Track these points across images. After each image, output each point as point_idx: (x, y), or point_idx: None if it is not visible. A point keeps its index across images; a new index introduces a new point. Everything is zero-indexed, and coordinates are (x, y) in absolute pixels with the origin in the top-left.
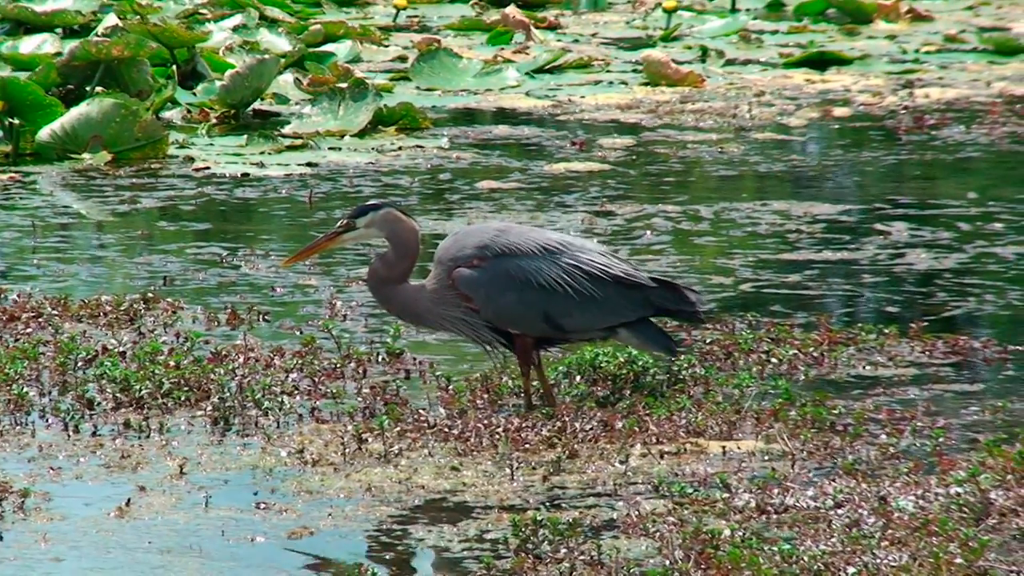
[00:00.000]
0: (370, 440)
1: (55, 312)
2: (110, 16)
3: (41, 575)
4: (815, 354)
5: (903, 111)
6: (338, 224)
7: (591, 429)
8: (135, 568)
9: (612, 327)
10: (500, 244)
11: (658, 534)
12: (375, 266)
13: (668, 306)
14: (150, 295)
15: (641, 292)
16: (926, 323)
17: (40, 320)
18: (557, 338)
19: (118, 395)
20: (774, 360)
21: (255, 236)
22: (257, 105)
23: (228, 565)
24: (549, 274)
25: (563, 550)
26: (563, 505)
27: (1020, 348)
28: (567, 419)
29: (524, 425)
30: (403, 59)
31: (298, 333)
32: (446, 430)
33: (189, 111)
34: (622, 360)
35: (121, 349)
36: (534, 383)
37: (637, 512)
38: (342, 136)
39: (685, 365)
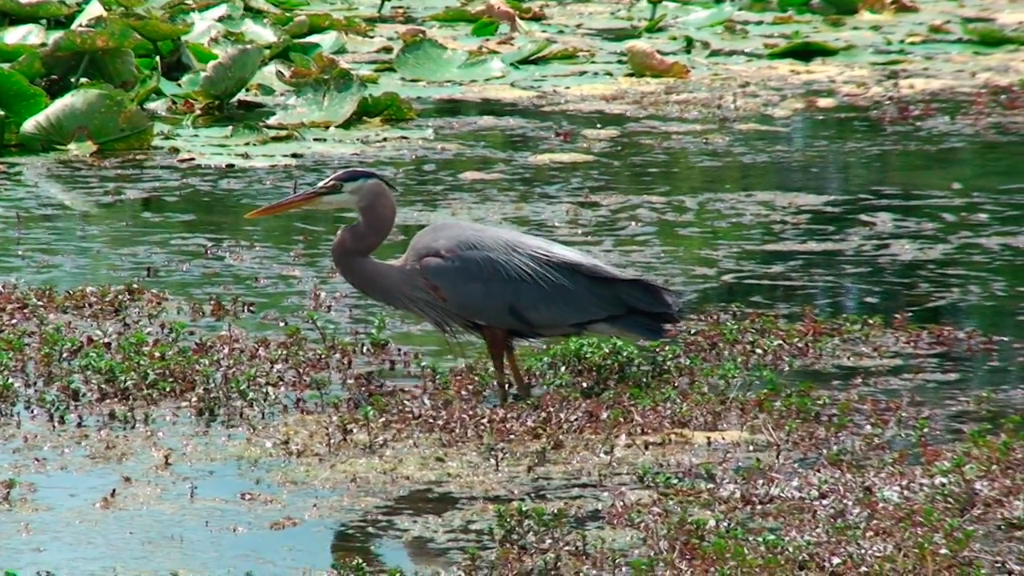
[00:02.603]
0: (355, 431)
1: (40, 303)
2: (93, 5)
3: (23, 565)
4: (800, 345)
5: (888, 102)
6: (321, 184)
7: (576, 419)
8: (115, 558)
9: (582, 323)
10: (473, 239)
11: (643, 525)
12: (343, 236)
13: (640, 306)
14: (135, 286)
15: (612, 290)
16: (910, 314)
17: (25, 311)
18: (526, 332)
19: (103, 386)
20: (759, 351)
21: (240, 227)
22: (242, 96)
23: (211, 555)
24: (517, 266)
25: (548, 541)
26: (548, 496)
27: (1004, 338)
28: (552, 409)
29: (509, 416)
30: (388, 50)
31: (283, 324)
32: (431, 421)
33: (174, 102)
34: (607, 351)
35: (106, 340)
36: (508, 374)
37: (622, 503)
38: (327, 127)
39: (670, 356)
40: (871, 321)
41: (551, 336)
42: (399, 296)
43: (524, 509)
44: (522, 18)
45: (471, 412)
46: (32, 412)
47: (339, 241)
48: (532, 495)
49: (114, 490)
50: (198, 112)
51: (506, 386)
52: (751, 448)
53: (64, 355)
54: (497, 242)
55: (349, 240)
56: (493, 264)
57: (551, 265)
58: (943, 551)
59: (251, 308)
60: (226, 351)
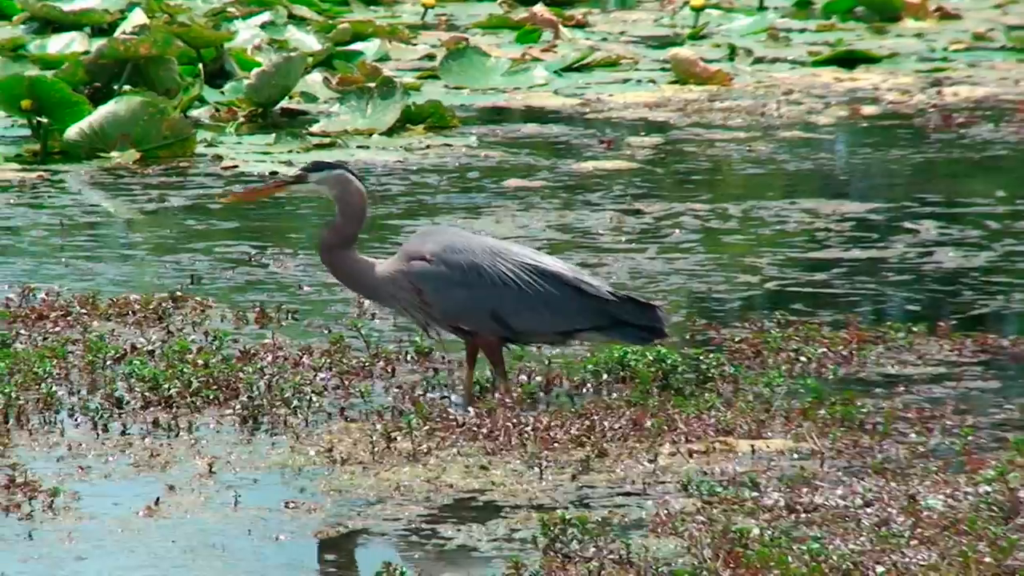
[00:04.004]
0: (399, 439)
1: (84, 311)
2: (136, 12)
3: (65, 574)
4: (844, 353)
5: (931, 109)
6: (289, 174)
7: (620, 428)
8: (157, 567)
9: (568, 332)
10: (459, 245)
11: (687, 533)
12: (322, 234)
13: (627, 319)
14: (179, 294)
15: (598, 303)
16: (955, 321)
17: (69, 319)
18: (513, 338)
19: (147, 394)
20: (803, 359)
21: (283, 234)
22: (285, 103)
23: (253, 564)
24: (501, 271)
25: (592, 549)
26: (592, 504)
27: None
28: (596, 418)
29: (553, 424)
30: (431, 57)
31: (326, 332)
32: (475, 429)
33: (217, 109)
34: (651, 359)
35: (150, 348)
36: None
37: (666, 511)
38: (370, 135)
39: (714, 364)
40: (915, 329)
41: (540, 343)
42: (384, 295)
43: (568, 517)
44: (565, 25)
45: (515, 420)
46: (76, 420)
47: (320, 239)
48: (576, 503)
49: (158, 498)
50: (241, 119)
51: (511, 392)
52: (795, 456)
53: (108, 363)
54: (483, 248)
55: (328, 235)
56: (477, 269)
57: (536, 273)
58: (987, 559)
59: (295, 316)
60: (270, 359)
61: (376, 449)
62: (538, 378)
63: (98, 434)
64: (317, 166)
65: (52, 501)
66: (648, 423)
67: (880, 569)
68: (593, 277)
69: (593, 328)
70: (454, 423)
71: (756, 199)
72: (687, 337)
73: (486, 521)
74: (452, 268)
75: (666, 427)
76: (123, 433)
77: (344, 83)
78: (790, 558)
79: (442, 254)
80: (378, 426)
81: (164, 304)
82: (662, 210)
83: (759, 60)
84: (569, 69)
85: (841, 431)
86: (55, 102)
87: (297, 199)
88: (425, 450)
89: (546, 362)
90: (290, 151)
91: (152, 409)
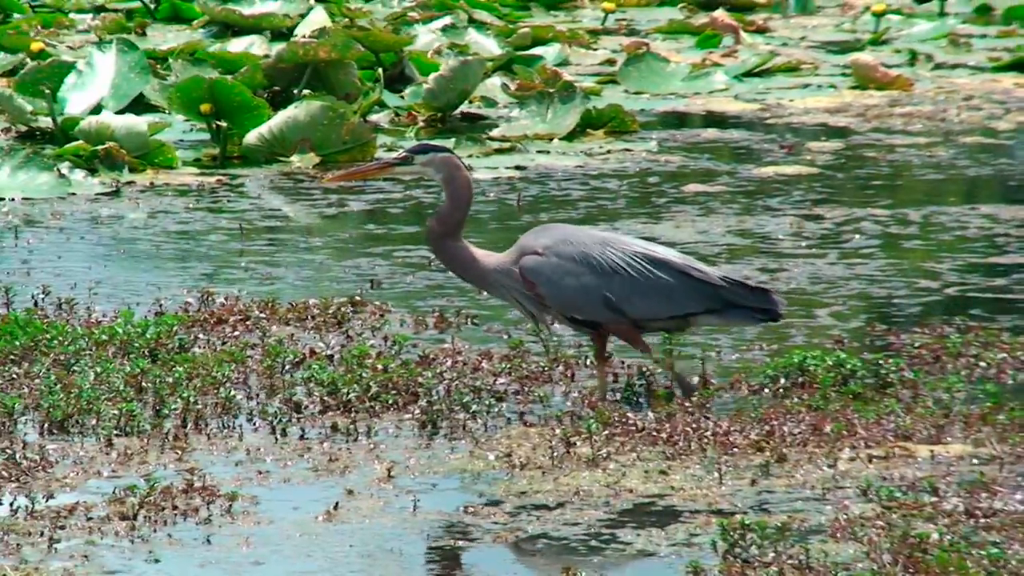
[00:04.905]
0: (578, 443)
1: (263, 315)
2: (314, 14)
3: None
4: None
5: None
6: (394, 156)
7: (799, 433)
8: (335, 571)
9: (681, 316)
10: (570, 237)
11: (866, 538)
12: (430, 223)
13: (740, 301)
14: (358, 298)
15: (708, 287)
16: None
17: (248, 323)
18: (632, 325)
19: (326, 398)
20: (983, 364)
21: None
22: (465, 108)
23: (431, 570)
24: (610, 259)
25: (771, 554)
26: (771, 509)
27: None
28: (775, 423)
29: (732, 429)
30: (611, 62)
31: (506, 337)
32: (654, 434)
33: (396, 114)
34: (830, 363)
35: (328, 352)
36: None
37: (845, 516)
38: (550, 139)
39: (893, 369)
40: None
41: (654, 330)
42: (494, 283)
43: (747, 522)
44: (746, 31)
45: (694, 425)
46: (254, 425)
47: (428, 228)
48: (755, 508)
49: (337, 503)
50: (421, 124)
51: (604, 384)
52: (975, 461)
53: (286, 367)
54: (594, 240)
55: (436, 223)
56: (588, 259)
57: (645, 260)
58: None
59: (474, 320)
60: (449, 363)
61: (555, 454)
62: (714, 381)
63: (277, 438)
64: (423, 148)
65: (230, 505)
66: (828, 428)
67: None
68: (704, 264)
69: (707, 311)
70: (634, 428)
71: (936, 204)
72: (867, 342)
73: (665, 526)
74: (564, 259)
75: (845, 432)
76: (302, 437)
77: (523, 88)
78: (969, 563)
79: (554, 247)
80: (557, 431)
81: (343, 308)
82: (842, 215)
83: (939, 65)
84: (749, 74)
85: (1021, 436)
86: (235, 106)
87: (479, 204)
88: (605, 455)
89: (723, 366)
90: (470, 156)
91: (331, 413)
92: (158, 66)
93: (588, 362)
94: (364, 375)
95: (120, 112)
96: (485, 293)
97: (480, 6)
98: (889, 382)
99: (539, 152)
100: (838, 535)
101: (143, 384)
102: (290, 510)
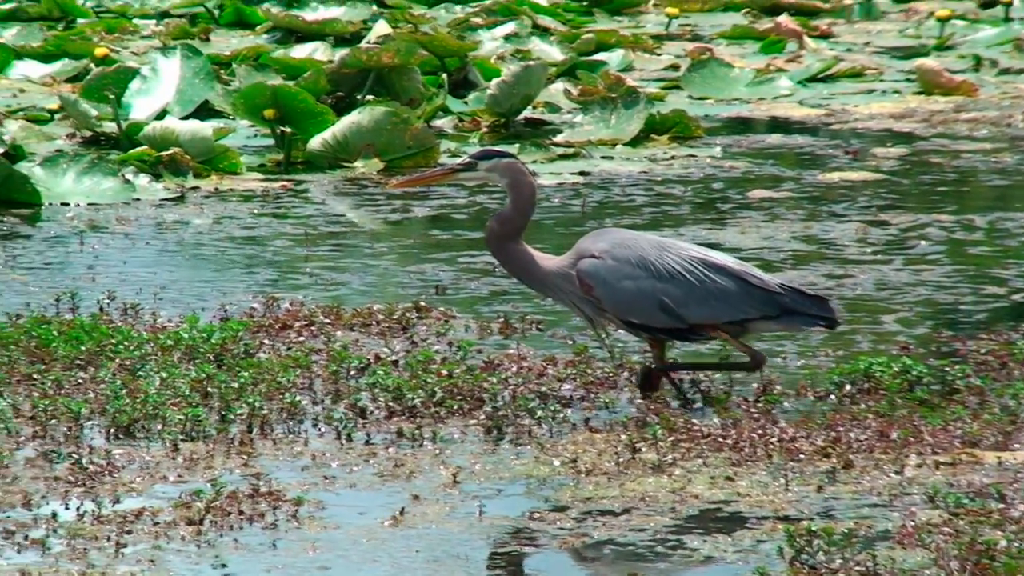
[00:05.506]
0: (644, 449)
1: (327, 321)
2: (380, 23)
3: None
4: None
5: None
6: (458, 162)
7: (866, 439)
8: None
9: (738, 321)
10: (628, 241)
11: (933, 545)
12: (491, 225)
13: (798, 308)
14: (422, 304)
15: (765, 293)
16: None
17: (312, 329)
18: (685, 330)
19: (391, 404)
20: None
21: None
22: (528, 113)
23: (496, 575)
24: (668, 263)
25: (838, 560)
26: (838, 515)
27: None
28: (842, 429)
29: (798, 435)
30: (675, 68)
31: (570, 342)
32: (720, 440)
33: (460, 119)
34: (896, 370)
35: (393, 358)
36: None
37: (912, 523)
38: (614, 145)
39: (960, 375)
40: None
41: (710, 337)
42: (553, 287)
43: (814, 528)
44: (810, 36)
45: (760, 431)
46: (320, 430)
47: (488, 230)
48: (822, 514)
49: (403, 508)
50: (484, 129)
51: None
52: None
53: (351, 373)
54: (651, 244)
55: (497, 226)
56: (644, 262)
57: (703, 265)
58: None
59: (539, 326)
60: (514, 369)
61: (621, 460)
62: (778, 387)
63: (342, 444)
64: (486, 154)
65: (296, 511)
66: (894, 434)
67: None
68: (762, 271)
69: (763, 317)
70: (699, 434)
71: (1002, 210)
72: (933, 348)
73: (731, 532)
74: (621, 263)
75: (912, 438)
76: (367, 443)
77: (587, 93)
78: None
79: (611, 250)
80: (623, 436)
81: (408, 314)
82: (908, 221)
83: (1004, 71)
84: (814, 79)
85: None
86: (299, 112)
87: (543, 210)
88: (670, 461)
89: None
90: (534, 161)
91: (396, 419)
92: (222, 71)
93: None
94: (429, 380)
95: (185, 118)
96: (549, 298)
97: (544, 11)
98: (956, 388)
99: (603, 157)
100: (905, 542)
101: (208, 389)
102: (356, 515)
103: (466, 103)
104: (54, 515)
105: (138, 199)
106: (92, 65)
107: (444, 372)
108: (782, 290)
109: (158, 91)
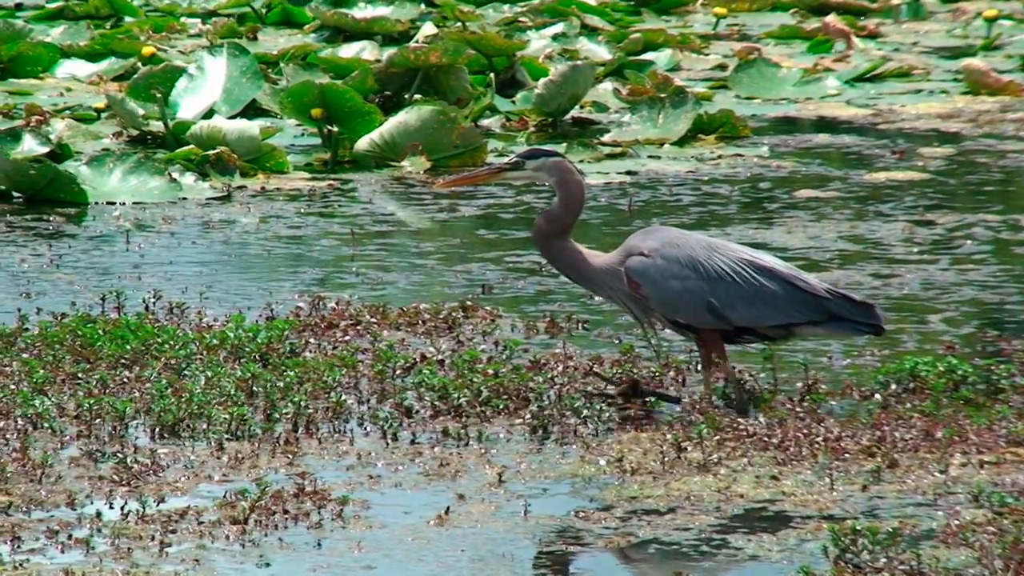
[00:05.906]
0: (689, 449)
1: (373, 320)
2: (428, 24)
3: None
4: None
5: None
6: (506, 160)
7: (911, 438)
8: None
9: (784, 325)
10: (677, 240)
11: (978, 544)
12: (538, 223)
13: (844, 315)
14: (468, 303)
15: (812, 298)
16: None
17: (358, 328)
18: (732, 333)
19: (436, 403)
20: None
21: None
22: (576, 113)
23: (541, 574)
24: (717, 264)
25: (882, 559)
26: (882, 514)
27: None
28: (887, 428)
29: (843, 434)
30: (723, 67)
31: (616, 342)
32: (765, 439)
33: (508, 119)
34: (941, 369)
35: (439, 357)
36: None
37: (957, 522)
38: (661, 144)
39: (1004, 374)
40: None
41: (759, 340)
42: (601, 285)
43: (859, 528)
44: (857, 36)
45: (805, 431)
46: (365, 429)
47: (536, 227)
48: (866, 514)
49: (448, 508)
50: (532, 129)
51: (711, 388)
52: None
53: (397, 372)
54: (700, 244)
55: (544, 223)
56: (693, 263)
57: (751, 267)
58: None
59: (585, 325)
60: (560, 368)
61: (666, 459)
62: (823, 387)
63: (387, 443)
64: (534, 153)
65: (341, 510)
66: (939, 434)
67: None
68: (810, 275)
69: (809, 322)
70: (744, 433)
71: None
72: (978, 348)
73: (776, 531)
74: (670, 262)
75: (957, 438)
76: (412, 442)
77: (634, 93)
78: None
79: (660, 249)
80: (668, 436)
81: (454, 313)
82: (954, 221)
83: None
84: (861, 79)
85: None
86: (346, 111)
87: (590, 209)
88: (715, 460)
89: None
90: (581, 161)
91: (442, 418)
92: (269, 71)
93: (698, 367)
94: (475, 380)
95: (232, 117)
96: (596, 297)
97: (592, 11)
98: (1001, 388)
99: (650, 157)
100: (949, 541)
101: (254, 388)
102: (401, 514)
103: (513, 102)
104: (98, 514)
105: (184, 198)
106: (139, 64)
107: (490, 371)
108: (829, 295)
109: (205, 90)
